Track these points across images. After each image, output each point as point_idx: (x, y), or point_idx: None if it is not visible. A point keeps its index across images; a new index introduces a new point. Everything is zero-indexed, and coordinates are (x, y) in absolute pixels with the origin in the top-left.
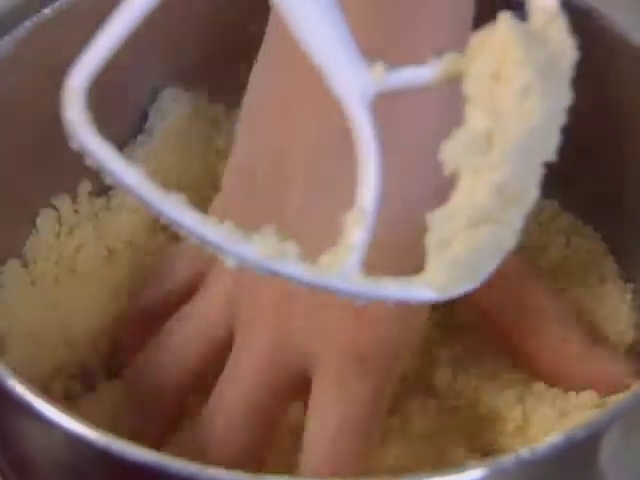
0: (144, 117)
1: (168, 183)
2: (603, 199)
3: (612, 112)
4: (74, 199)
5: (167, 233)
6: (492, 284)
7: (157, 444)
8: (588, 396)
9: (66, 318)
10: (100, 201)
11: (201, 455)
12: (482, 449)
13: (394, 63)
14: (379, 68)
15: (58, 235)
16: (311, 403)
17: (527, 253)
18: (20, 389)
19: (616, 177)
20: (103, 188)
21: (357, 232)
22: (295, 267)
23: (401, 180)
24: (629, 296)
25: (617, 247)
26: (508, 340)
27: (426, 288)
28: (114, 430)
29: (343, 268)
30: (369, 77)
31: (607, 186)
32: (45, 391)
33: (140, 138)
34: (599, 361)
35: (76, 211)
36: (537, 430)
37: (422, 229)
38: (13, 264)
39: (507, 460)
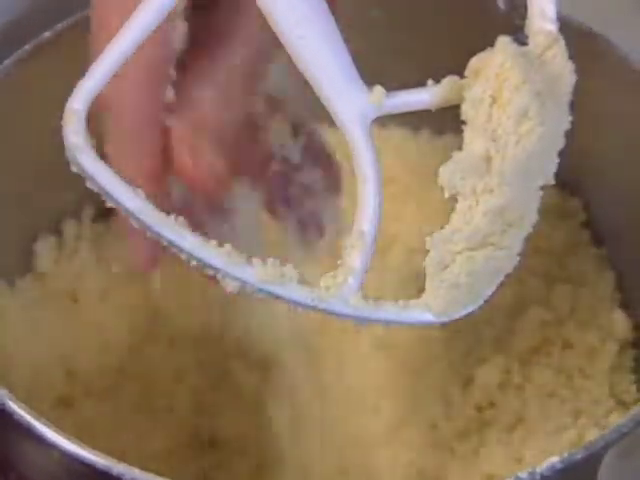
0: None
1: None
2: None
3: (612, 135)
4: (77, 224)
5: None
6: None
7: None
8: None
9: (67, 349)
10: (101, 226)
11: None
12: None
13: None
14: (378, 92)
15: (58, 262)
16: None
17: None
18: (21, 412)
19: (613, 199)
20: (104, 212)
21: (356, 255)
22: (295, 290)
23: None
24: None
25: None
26: None
27: (426, 311)
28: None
29: (342, 291)
30: (368, 102)
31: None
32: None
33: None
34: None
35: (78, 237)
36: None
37: None
38: (12, 294)
39: None
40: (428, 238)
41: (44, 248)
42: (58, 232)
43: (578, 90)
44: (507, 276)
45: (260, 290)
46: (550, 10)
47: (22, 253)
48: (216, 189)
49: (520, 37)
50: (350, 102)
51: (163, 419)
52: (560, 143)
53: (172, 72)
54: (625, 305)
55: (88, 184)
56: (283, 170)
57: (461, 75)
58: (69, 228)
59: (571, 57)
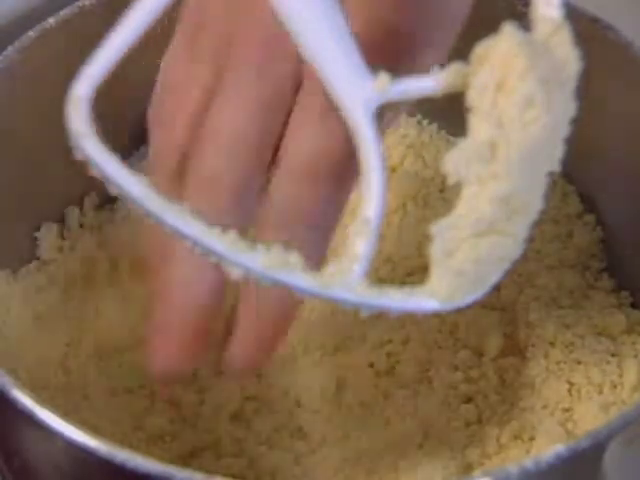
0: (145, 129)
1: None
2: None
3: (615, 123)
4: (80, 212)
5: None
6: None
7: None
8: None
9: (70, 337)
10: (104, 214)
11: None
12: None
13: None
14: (383, 79)
15: (61, 250)
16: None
17: None
18: (24, 399)
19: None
20: (107, 200)
21: (361, 242)
22: (300, 277)
23: None
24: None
25: None
26: None
27: (431, 298)
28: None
29: (348, 278)
30: (372, 88)
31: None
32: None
33: (142, 149)
34: None
35: (81, 225)
36: None
37: None
38: (15, 282)
39: (511, 470)
40: (433, 225)
41: (47, 236)
42: (61, 220)
43: (581, 77)
44: (513, 263)
45: (264, 277)
46: None
47: (25, 241)
48: None
49: (524, 24)
50: (354, 89)
51: (167, 405)
52: (565, 130)
53: None
54: None
55: (92, 171)
56: None
57: (466, 61)
58: (72, 216)
59: (575, 44)
